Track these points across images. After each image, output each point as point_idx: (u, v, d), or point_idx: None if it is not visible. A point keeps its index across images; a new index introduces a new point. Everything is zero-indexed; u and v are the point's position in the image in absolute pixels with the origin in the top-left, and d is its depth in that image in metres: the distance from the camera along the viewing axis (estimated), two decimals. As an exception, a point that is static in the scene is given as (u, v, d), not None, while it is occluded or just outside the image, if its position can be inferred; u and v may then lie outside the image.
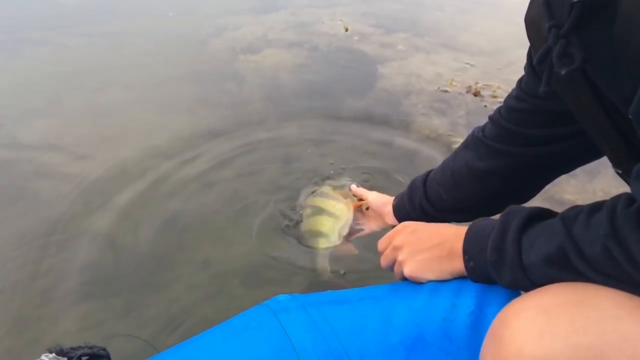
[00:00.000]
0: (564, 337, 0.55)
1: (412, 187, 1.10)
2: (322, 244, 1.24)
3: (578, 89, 0.67)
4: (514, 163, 0.91)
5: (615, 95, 0.59)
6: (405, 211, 1.10)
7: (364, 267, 1.22)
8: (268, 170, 1.61)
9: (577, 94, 0.68)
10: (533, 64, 0.78)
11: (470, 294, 0.74)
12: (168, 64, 2.37)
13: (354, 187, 1.34)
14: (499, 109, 0.94)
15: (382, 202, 1.21)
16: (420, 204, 1.06)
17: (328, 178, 1.51)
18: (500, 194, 0.95)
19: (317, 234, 1.25)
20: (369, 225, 1.26)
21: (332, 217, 1.27)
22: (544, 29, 0.60)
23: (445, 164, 1.04)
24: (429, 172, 1.08)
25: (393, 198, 1.18)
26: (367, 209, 1.28)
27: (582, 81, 0.65)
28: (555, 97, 0.75)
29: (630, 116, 0.50)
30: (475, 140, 0.96)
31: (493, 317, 0.64)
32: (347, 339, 0.72)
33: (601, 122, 0.66)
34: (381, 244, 0.93)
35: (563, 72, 0.57)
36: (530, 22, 0.75)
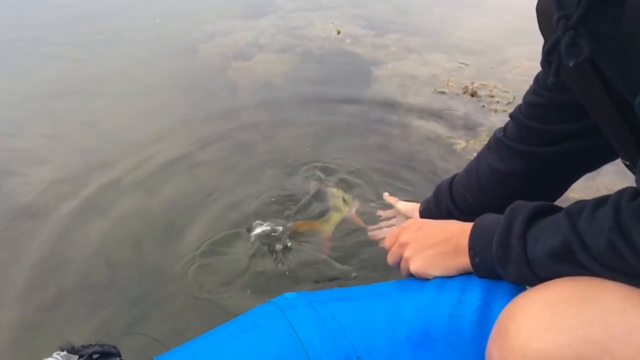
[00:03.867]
0: (570, 331, 0.56)
1: (438, 192, 1.09)
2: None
3: (587, 80, 0.67)
4: (535, 164, 0.91)
5: (624, 87, 0.59)
6: (431, 216, 1.09)
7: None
8: (267, 174, 1.60)
9: (586, 85, 0.68)
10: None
11: (476, 289, 0.74)
12: (158, 71, 2.33)
13: (386, 194, 1.34)
14: (519, 107, 0.93)
15: (411, 208, 1.19)
16: (447, 208, 1.05)
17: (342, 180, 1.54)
18: (525, 196, 0.93)
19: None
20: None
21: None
22: (555, 19, 0.60)
23: (469, 167, 1.04)
24: (454, 176, 1.08)
25: (420, 204, 1.16)
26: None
27: (591, 72, 0.65)
28: (569, 90, 0.75)
29: (636, 108, 0.50)
30: (497, 142, 0.96)
31: (499, 312, 0.65)
32: (354, 335, 0.72)
33: (609, 113, 0.67)
34: (388, 241, 0.93)
35: (571, 64, 0.57)
36: (542, 12, 0.75)
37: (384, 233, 1.25)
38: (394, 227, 1.26)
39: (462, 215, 1.03)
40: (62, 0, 3.20)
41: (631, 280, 0.57)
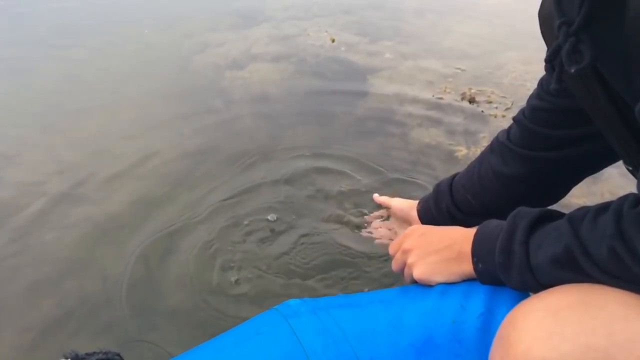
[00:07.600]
0: (572, 338, 0.55)
1: (437, 192, 1.08)
2: None
3: (589, 86, 0.67)
4: (539, 168, 0.91)
5: (626, 92, 0.59)
6: (431, 216, 1.08)
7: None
8: (268, 187, 1.58)
9: (588, 91, 0.68)
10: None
11: (479, 296, 0.74)
12: (150, 84, 2.28)
13: (375, 195, 1.32)
14: (522, 110, 0.93)
15: (407, 206, 1.18)
16: (448, 209, 1.05)
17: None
18: (528, 198, 0.93)
19: None
20: (397, 231, 1.23)
21: None
22: (556, 25, 0.60)
23: (471, 168, 1.03)
24: (453, 176, 1.07)
25: (417, 202, 1.15)
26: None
27: (593, 78, 0.65)
28: (572, 95, 0.75)
29: (636, 114, 0.50)
30: (501, 146, 0.96)
31: (502, 319, 0.65)
32: (357, 342, 0.73)
33: (611, 118, 0.67)
34: (392, 247, 0.93)
35: (573, 70, 0.57)
36: (544, 18, 0.75)
37: (382, 234, 1.26)
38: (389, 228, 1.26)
39: (463, 215, 1.03)
40: (46, 10, 3.13)
41: (633, 287, 0.57)
